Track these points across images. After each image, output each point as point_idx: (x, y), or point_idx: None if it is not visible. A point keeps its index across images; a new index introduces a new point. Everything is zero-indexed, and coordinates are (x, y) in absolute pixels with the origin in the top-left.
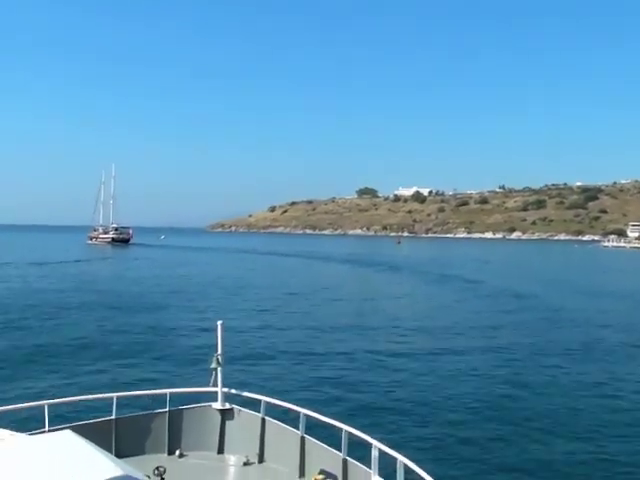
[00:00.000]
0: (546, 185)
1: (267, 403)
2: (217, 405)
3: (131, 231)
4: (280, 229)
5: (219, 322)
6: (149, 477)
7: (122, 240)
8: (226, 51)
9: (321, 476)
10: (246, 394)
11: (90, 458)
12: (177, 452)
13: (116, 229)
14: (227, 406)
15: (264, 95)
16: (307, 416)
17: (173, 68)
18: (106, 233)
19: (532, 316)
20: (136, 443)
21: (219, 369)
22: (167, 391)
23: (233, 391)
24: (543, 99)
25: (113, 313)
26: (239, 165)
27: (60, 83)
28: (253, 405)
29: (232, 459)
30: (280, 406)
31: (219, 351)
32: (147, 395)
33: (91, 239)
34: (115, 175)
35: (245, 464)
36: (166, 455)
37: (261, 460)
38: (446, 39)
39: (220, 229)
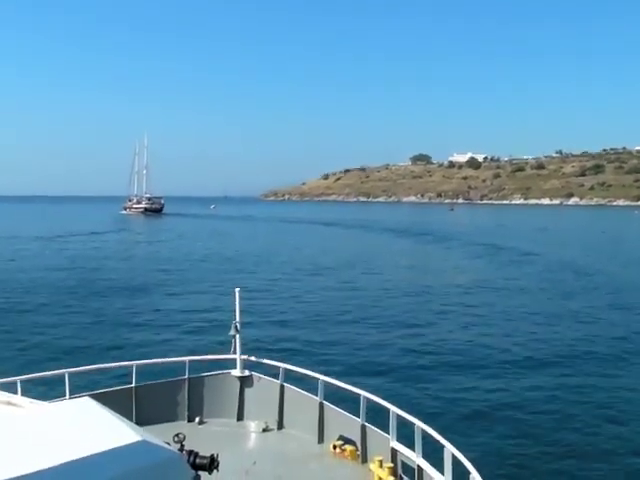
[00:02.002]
0: (604, 149)
1: (286, 370)
2: (236, 372)
3: (163, 201)
4: (333, 197)
5: (236, 289)
6: (169, 444)
7: (154, 210)
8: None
9: (340, 442)
10: (265, 361)
11: (110, 425)
12: (197, 419)
13: (149, 199)
14: (246, 373)
15: (313, 63)
16: (326, 382)
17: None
18: (139, 203)
19: (599, 301)
20: (156, 410)
21: (237, 336)
22: (186, 359)
23: (252, 358)
24: (602, 62)
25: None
26: (294, 133)
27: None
28: (272, 372)
29: (252, 425)
30: (299, 373)
31: (237, 318)
32: (166, 363)
33: (125, 209)
34: (147, 145)
35: (264, 430)
36: (186, 422)
37: (280, 426)
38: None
39: (273, 197)
